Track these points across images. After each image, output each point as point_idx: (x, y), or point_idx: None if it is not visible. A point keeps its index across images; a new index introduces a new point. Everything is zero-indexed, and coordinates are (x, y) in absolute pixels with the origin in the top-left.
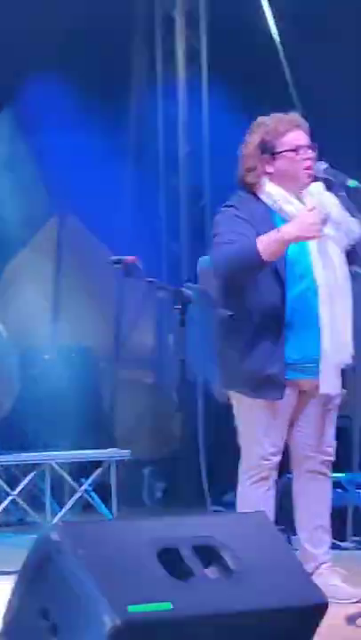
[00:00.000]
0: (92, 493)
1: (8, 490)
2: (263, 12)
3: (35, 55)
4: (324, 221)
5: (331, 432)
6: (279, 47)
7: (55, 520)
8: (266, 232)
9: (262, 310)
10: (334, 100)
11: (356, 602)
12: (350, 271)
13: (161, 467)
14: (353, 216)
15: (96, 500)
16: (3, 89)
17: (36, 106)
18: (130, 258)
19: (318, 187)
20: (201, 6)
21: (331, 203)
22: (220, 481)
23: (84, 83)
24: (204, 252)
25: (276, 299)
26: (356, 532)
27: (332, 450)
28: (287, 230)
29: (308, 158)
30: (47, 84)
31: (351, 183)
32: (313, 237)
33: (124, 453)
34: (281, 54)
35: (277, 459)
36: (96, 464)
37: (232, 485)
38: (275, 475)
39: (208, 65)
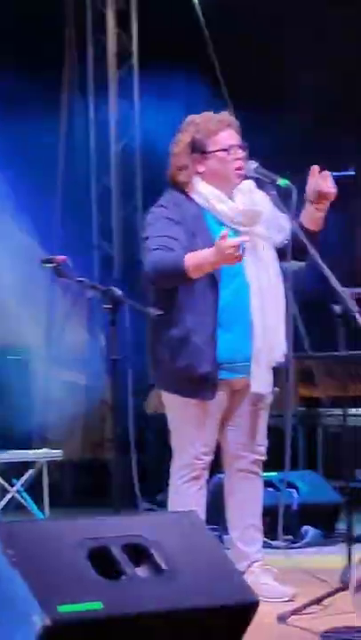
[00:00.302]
0: (24, 494)
1: None
2: (195, 11)
3: None
4: (241, 249)
5: (262, 431)
6: (210, 45)
7: None
8: (199, 231)
9: (195, 309)
10: (264, 96)
11: (288, 600)
12: (282, 268)
13: (93, 466)
14: (283, 213)
15: (28, 500)
16: None
17: None
18: (60, 257)
19: (249, 185)
20: (132, 5)
21: (262, 201)
22: (152, 480)
23: (15, 80)
24: (136, 252)
25: (209, 297)
26: (288, 531)
27: (263, 449)
28: (210, 258)
29: (239, 158)
30: None
31: (282, 182)
32: (234, 263)
33: (56, 454)
34: (212, 53)
35: (209, 458)
36: (28, 464)
37: (164, 485)
38: (206, 474)
39: (139, 63)
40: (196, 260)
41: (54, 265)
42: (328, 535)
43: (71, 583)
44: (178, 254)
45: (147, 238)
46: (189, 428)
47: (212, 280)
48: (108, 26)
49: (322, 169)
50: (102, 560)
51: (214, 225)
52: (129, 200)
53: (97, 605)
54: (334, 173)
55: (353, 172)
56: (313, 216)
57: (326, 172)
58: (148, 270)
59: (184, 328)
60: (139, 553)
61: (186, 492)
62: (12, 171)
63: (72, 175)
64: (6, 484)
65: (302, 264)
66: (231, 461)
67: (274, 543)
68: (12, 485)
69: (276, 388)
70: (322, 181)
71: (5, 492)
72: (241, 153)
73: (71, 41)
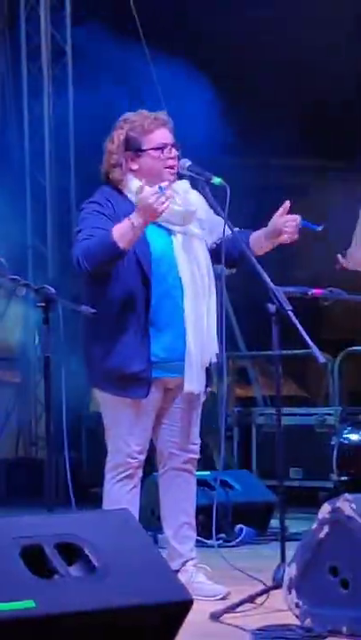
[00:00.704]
0: None
1: None
2: (130, 9)
3: None
4: (163, 191)
5: (196, 430)
6: (144, 44)
7: None
8: None
9: (127, 308)
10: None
11: (221, 599)
12: (215, 270)
13: (27, 465)
14: (217, 213)
15: None
16: None
17: None
18: None
19: (184, 185)
20: (67, 2)
21: (196, 201)
22: (86, 479)
23: None
24: (70, 251)
25: (141, 296)
26: (222, 530)
27: (197, 447)
28: (135, 218)
29: (173, 157)
30: None
31: (215, 180)
32: (161, 213)
33: None
34: (147, 51)
35: (143, 457)
36: None
37: (98, 483)
38: (140, 473)
39: (73, 62)
40: (122, 228)
41: None
42: (261, 534)
43: (4, 582)
44: (105, 232)
45: (79, 232)
46: (123, 426)
47: (144, 278)
48: (41, 25)
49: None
50: (35, 559)
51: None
52: (64, 200)
53: (29, 604)
54: (304, 222)
55: (320, 228)
56: (262, 245)
57: (297, 217)
58: (79, 258)
59: (116, 327)
60: (72, 552)
61: (119, 491)
62: None
63: (6, 174)
64: None
65: (233, 270)
66: (165, 460)
67: (208, 542)
68: None
69: (210, 388)
70: (288, 225)
71: None
72: (175, 152)
73: (5, 40)
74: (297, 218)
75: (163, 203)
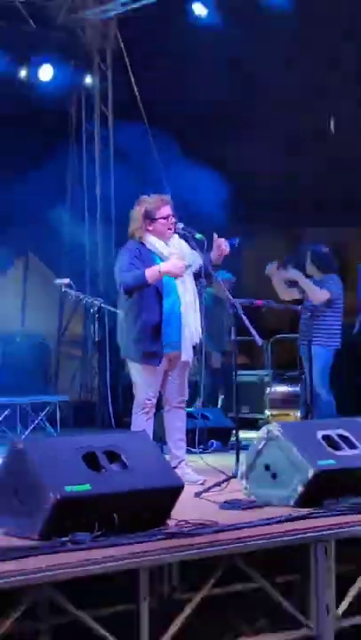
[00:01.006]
0: (45, 422)
1: None
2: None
3: None
4: (188, 267)
5: (186, 383)
6: (152, 141)
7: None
8: (149, 265)
9: (148, 312)
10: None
11: (201, 484)
12: (197, 286)
13: (86, 406)
14: (194, 250)
15: (47, 425)
16: None
17: None
18: (66, 280)
19: (177, 238)
20: (109, 120)
21: (185, 248)
22: (121, 413)
23: (38, 176)
24: (113, 276)
25: (157, 305)
26: (201, 443)
27: (186, 393)
28: (163, 267)
29: (172, 223)
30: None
31: (198, 236)
32: (179, 275)
33: (64, 397)
34: (153, 149)
35: (155, 400)
36: (47, 404)
37: (128, 415)
38: (153, 410)
39: (114, 157)
40: (152, 271)
41: (64, 284)
42: (225, 446)
43: (72, 474)
44: (141, 271)
45: (120, 265)
46: (144, 382)
47: (159, 294)
48: (95, 136)
49: None
50: (91, 460)
51: (158, 260)
52: (109, 240)
53: (87, 487)
54: (229, 239)
55: (236, 243)
56: (216, 260)
57: (222, 240)
58: (124, 283)
59: (142, 323)
60: (113, 456)
61: (141, 421)
62: (38, 222)
63: (73, 230)
64: (35, 416)
65: (212, 278)
66: (168, 401)
67: (193, 450)
68: (38, 416)
69: (195, 357)
70: (220, 246)
71: (33, 420)
72: (173, 219)
73: (73, 147)
74: (223, 240)
75: (184, 271)
